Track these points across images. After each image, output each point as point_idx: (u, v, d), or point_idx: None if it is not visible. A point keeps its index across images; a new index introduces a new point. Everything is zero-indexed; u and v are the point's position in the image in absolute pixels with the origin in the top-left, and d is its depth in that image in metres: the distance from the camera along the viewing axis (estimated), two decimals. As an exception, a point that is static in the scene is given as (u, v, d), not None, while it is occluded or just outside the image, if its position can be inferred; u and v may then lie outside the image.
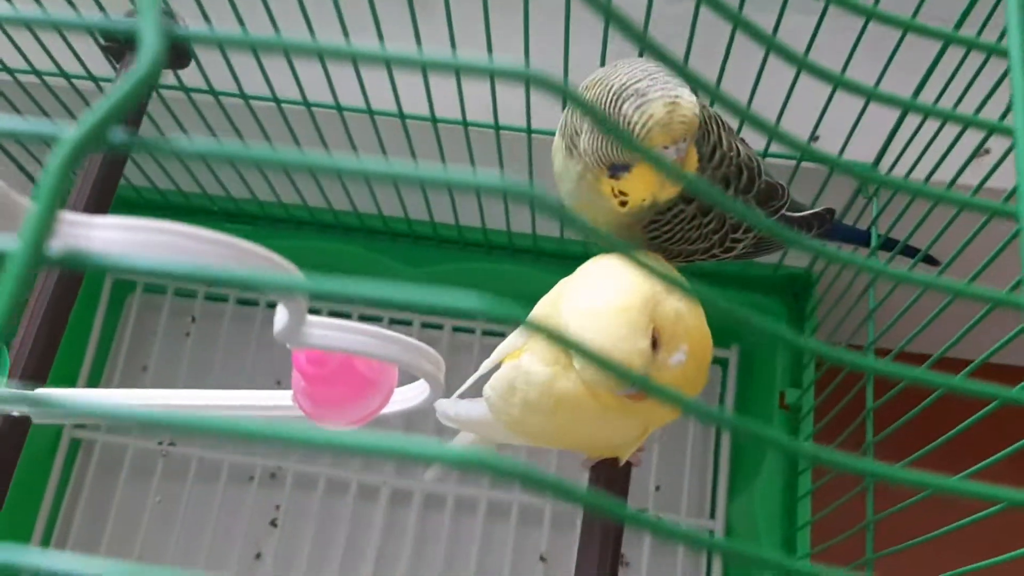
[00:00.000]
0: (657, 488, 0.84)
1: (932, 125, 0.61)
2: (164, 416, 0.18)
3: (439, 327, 0.89)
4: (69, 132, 0.18)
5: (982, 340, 0.48)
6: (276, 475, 0.87)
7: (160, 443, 0.86)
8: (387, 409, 0.43)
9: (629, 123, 0.45)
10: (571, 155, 0.50)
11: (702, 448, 0.85)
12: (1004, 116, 0.51)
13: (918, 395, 0.50)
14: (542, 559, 0.83)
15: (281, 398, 0.43)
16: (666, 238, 0.53)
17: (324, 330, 0.35)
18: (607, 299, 0.45)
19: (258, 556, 0.85)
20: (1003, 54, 0.28)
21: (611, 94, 0.46)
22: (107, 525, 0.84)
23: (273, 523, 0.85)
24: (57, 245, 0.24)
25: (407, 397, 0.43)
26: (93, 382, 0.89)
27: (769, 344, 0.83)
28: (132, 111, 0.64)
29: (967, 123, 0.31)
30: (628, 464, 0.56)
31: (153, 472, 0.86)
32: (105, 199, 0.62)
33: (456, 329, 0.89)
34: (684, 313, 0.47)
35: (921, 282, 0.26)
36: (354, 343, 0.35)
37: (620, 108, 0.46)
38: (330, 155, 0.20)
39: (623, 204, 0.50)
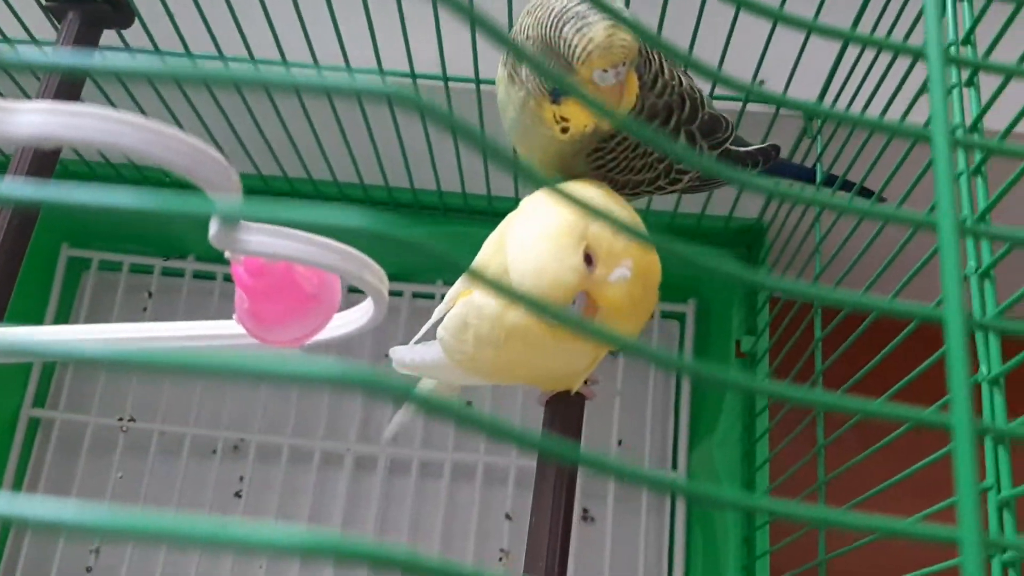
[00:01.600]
0: (619, 443, 0.84)
1: (867, 65, 0.62)
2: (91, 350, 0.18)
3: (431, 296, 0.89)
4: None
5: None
6: (239, 447, 0.86)
7: (120, 419, 0.86)
8: (333, 333, 0.43)
9: (569, 46, 0.46)
10: (513, 82, 0.50)
11: (662, 401, 0.86)
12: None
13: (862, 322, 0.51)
14: (507, 517, 0.83)
15: (227, 327, 0.43)
16: (611, 167, 0.53)
17: (262, 236, 0.35)
18: (540, 222, 0.46)
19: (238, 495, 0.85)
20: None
21: (551, 17, 0.47)
22: (69, 504, 0.83)
23: (237, 495, 0.85)
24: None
25: (352, 319, 0.43)
26: (49, 362, 0.88)
27: (725, 295, 0.84)
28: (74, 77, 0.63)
29: (888, 47, 0.31)
30: (581, 397, 0.57)
31: (114, 448, 0.85)
32: (47, 168, 0.62)
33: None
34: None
35: (854, 210, 0.27)
36: (293, 249, 0.35)
37: (560, 31, 0.46)
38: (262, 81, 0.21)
39: (564, 131, 0.50)
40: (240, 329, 0.44)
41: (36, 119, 0.27)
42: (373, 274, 0.38)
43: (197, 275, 0.90)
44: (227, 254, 0.36)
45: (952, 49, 0.45)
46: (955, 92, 0.45)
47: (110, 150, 0.26)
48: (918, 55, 0.29)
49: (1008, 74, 0.37)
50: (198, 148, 0.29)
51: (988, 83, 0.45)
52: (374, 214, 0.19)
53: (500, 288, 0.21)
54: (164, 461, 0.85)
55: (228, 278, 0.89)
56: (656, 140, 0.23)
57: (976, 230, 0.23)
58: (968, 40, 0.45)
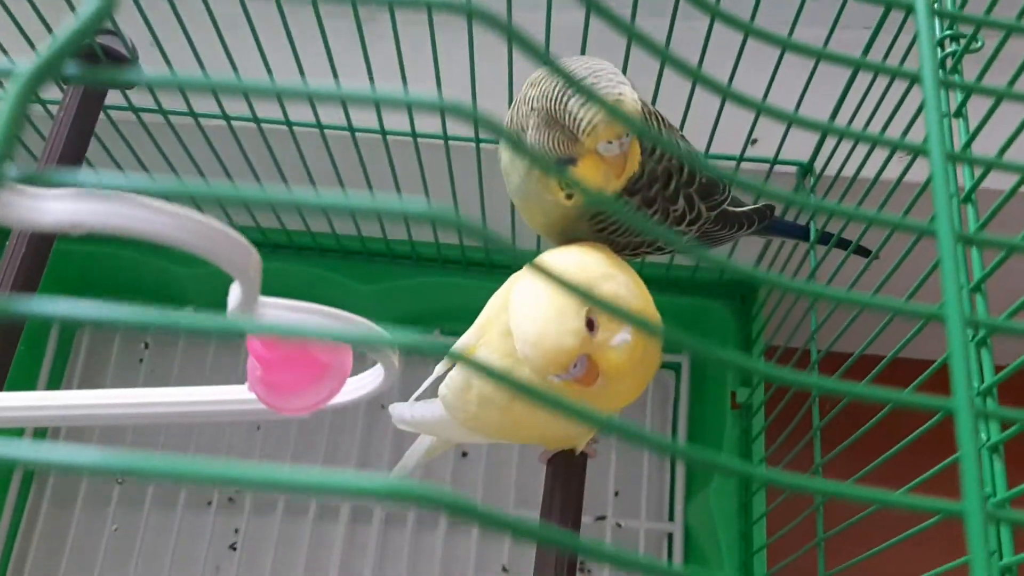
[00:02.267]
0: (616, 493, 0.85)
1: (858, 127, 0.64)
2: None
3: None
4: (24, 65, 0.18)
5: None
6: (234, 499, 0.86)
7: (115, 471, 0.85)
8: (342, 398, 0.44)
9: (574, 118, 0.47)
10: (518, 156, 0.51)
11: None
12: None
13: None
14: (504, 570, 0.83)
15: (238, 392, 0.44)
16: (612, 230, 0.54)
17: (278, 311, 0.36)
18: (544, 285, 0.46)
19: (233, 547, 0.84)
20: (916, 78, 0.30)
21: (556, 91, 0.48)
22: (63, 557, 0.83)
23: (232, 547, 0.85)
24: (7, 215, 0.25)
25: (362, 384, 0.43)
26: (45, 412, 0.88)
27: (721, 346, 0.85)
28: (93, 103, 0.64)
29: (885, 144, 0.32)
30: (584, 456, 0.57)
31: (109, 501, 0.85)
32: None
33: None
34: (624, 295, 0.48)
35: (837, 298, 0.27)
36: (308, 331, 0.35)
37: (566, 104, 0.47)
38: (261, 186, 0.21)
39: (570, 197, 0.51)
40: (249, 395, 0.44)
41: (64, 207, 0.28)
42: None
43: (194, 326, 0.90)
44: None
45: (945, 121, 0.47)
46: (946, 120, 0.46)
47: (139, 237, 0.26)
48: (914, 79, 0.29)
49: (999, 96, 0.38)
50: (223, 232, 0.30)
51: (978, 110, 0.46)
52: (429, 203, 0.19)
53: (485, 370, 0.21)
54: (159, 514, 0.85)
55: (225, 329, 0.89)
56: (645, 224, 0.24)
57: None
58: (960, 114, 0.46)
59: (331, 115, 0.69)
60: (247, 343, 0.38)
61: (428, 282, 0.87)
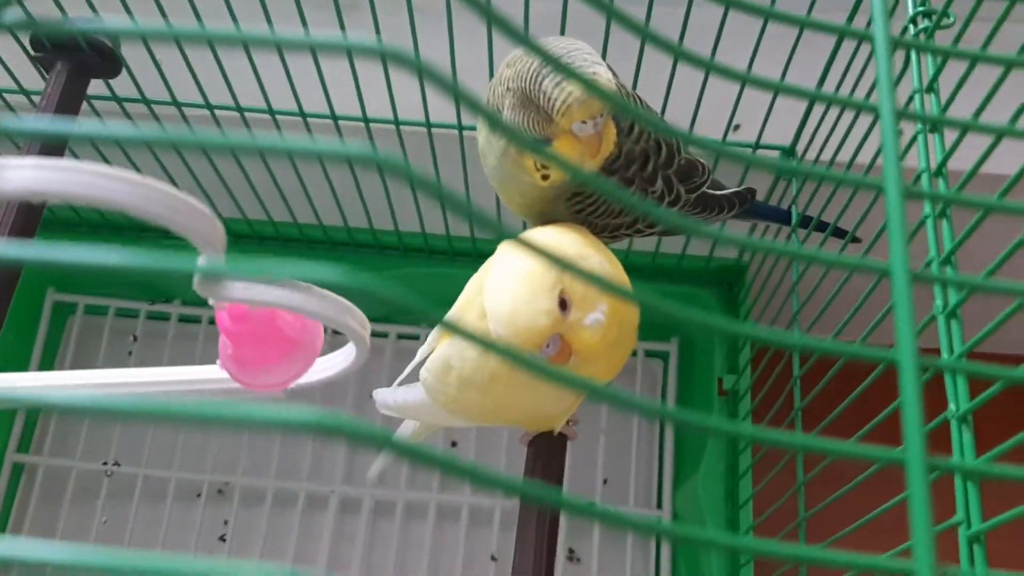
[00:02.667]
0: (605, 481, 0.85)
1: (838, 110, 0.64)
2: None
3: (415, 337, 0.89)
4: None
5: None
6: (223, 491, 0.86)
7: (104, 464, 0.86)
8: (315, 376, 0.44)
9: (548, 99, 0.47)
10: (493, 132, 0.51)
11: (647, 440, 0.86)
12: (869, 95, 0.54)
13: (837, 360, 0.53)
14: (493, 559, 0.83)
15: (211, 372, 0.44)
16: (589, 211, 0.54)
17: (246, 284, 0.36)
18: (517, 266, 0.47)
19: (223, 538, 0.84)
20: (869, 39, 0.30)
21: (531, 71, 0.48)
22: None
23: (222, 538, 0.85)
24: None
25: (334, 363, 0.43)
26: (34, 408, 0.88)
27: (707, 335, 0.85)
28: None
29: (840, 103, 0.33)
30: (564, 438, 0.57)
31: (98, 493, 0.85)
32: (35, 215, 0.63)
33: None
34: (599, 274, 0.48)
35: (817, 259, 0.28)
36: (275, 296, 0.35)
37: (540, 84, 0.47)
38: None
39: (545, 178, 0.51)
40: (224, 374, 0.44)
41: (25, 175, 0.28)
42: (354, 319, 0.39)
43: (183, 319, 0.90)
44: (211, 301, 0.37)
45: (916, 97, 0.47)
46: (920, 137, 0.46)
47: (99, 205, 0.27)
48: (876, 113, 0.30)
49: (964, 128, 0.39)
50: (185, 202, 0.30)
51: (950, 84, 0.46)
52: (350, 269, 0.20)
53: (474, 338, 0.22)
54: (148, 505, 0.85)
55: (213, 322, 0.88)
56: (627, 199, 0.24)
57: (927, 276, 0.24)
58: (932, 88, 0.47)
59: (314, 104, 0.69)
60: (216, 318, 0.38)
61: (415, 272, 0.87)
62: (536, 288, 0.46)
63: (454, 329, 0.22)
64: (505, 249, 0.51)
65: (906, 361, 0.21)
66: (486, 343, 0.22)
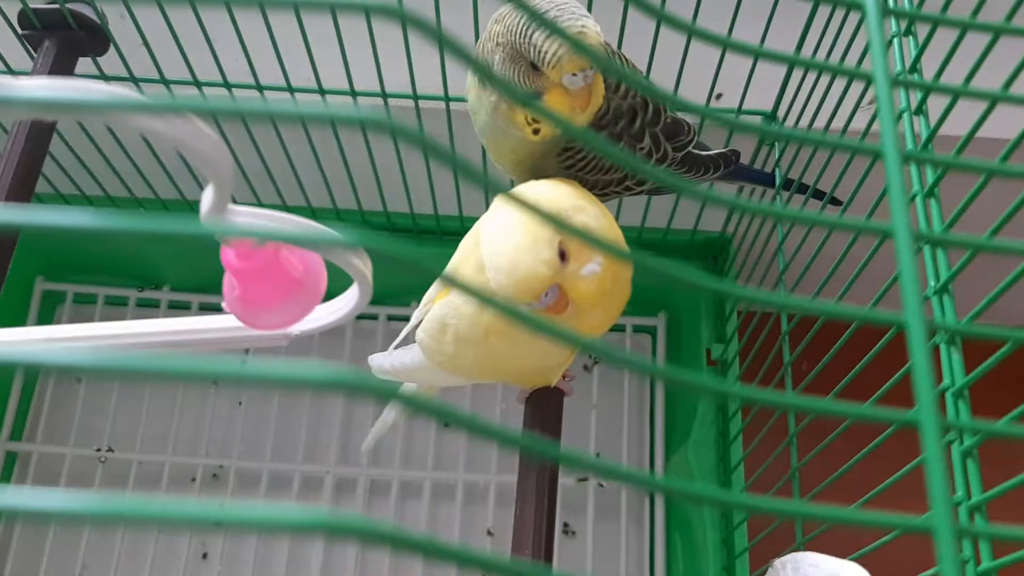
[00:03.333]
0: (598, 455, 0.86)
1: (820, 74, 0.65)
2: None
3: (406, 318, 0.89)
4: None
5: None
6: (218, 475, 0.87)
7: (98, 450, 0.86)
8: (321, 321, 0.44)
9: (539, 51, 0.48)
10: (484, 87, 0.52)
11: (638, 411, 0.87)
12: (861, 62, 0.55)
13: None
14: (489, 533, 0.83)
15: (213, 321, 0.45)
16: (580, 167, 0.55)
17: (249, 218, 0.37)
18: (515, 217, 0.47)
19: (204, 556, 0.84)
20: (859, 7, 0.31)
21: (520, 25, 0.49)
22: (48, 536, 0.83)
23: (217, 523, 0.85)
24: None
25: (338, 307, 0.44)
26: (26, 395, 0.88)
27: (694, 306, 0.86)
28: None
29: (832, 71, 0.33)
30: (560, 393, 0.58)
31: (92, 480, 0.85)
32: (28, 187, 0.63)
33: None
34: (595, 226, 0.49)
35: (811, 220, 0.28)
36: (279, 227, 0.36)
37: (530, 37, 0.48)
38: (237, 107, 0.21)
39: (536, 132, 0.52)
40: (224, 322, 0.45)
41: (40, 87, 0.29)
42: (357, 256, 0.40)
43: (173, 305, 0.91)
44: (216, 235, 0.37)
45: (901, 74, 0.48)
46: (906, 115, 0.47)
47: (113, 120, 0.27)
48: (869, 80, 0.30)
49: (955, 95, 0.39)
50: (198, 127, 0.31)
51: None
52: (348, 227, 0.20)
53: (471, 291, 0.22)
54: (143, 491, 0.85)
55: (204, 307, 0.89)
56: (617, 154, 0.25)
57: (931, 236, 0.25)
58: (915, 69, 0.48)
59: (302, 79, 0.70)
60: (222, 256, 0.38)
61: (427, 253, 0.87)
62: (536, 238, 0.46)
63: (452, 282, 0.22)
64: (501, 203, 0.52)
65: (914, 323, 0.22)
66: (483, 297, 0.22)
